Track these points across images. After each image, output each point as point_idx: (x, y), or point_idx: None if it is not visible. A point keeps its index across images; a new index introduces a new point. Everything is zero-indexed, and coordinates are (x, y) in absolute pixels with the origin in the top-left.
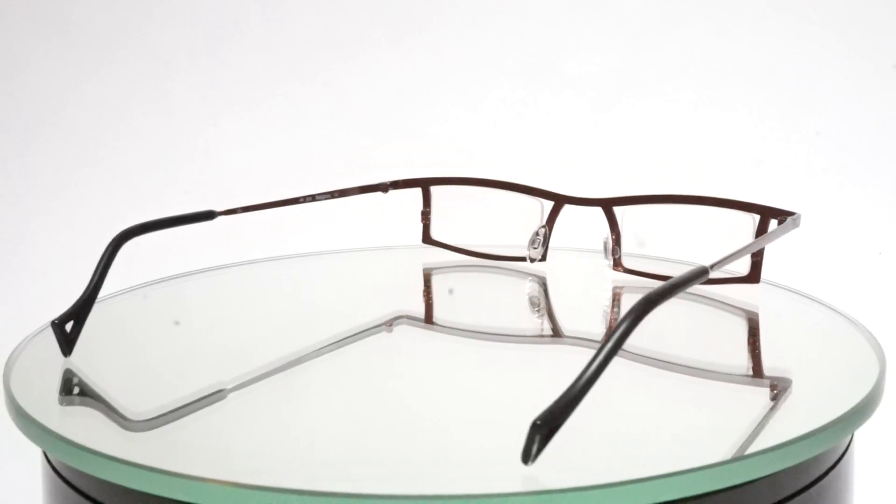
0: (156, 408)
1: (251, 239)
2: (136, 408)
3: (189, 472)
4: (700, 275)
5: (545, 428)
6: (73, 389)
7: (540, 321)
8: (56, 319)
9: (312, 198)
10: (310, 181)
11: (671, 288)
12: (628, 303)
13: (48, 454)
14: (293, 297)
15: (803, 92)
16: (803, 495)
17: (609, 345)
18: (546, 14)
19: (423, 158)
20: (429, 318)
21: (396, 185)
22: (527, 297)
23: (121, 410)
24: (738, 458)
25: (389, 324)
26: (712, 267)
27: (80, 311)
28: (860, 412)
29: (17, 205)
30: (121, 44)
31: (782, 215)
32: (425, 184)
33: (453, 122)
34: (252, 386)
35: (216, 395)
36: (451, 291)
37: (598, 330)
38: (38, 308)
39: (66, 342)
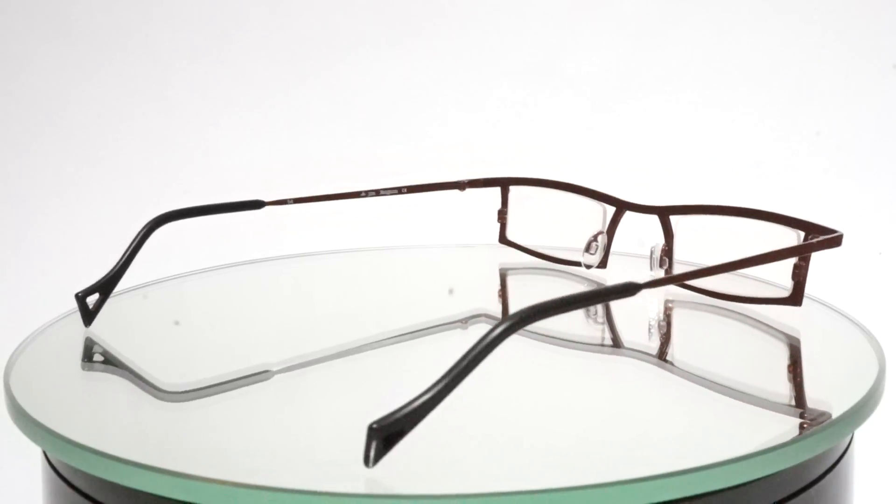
0: (194, 381)
1: (301, 231)
2: (169, 378)
3: (189, 472)
4: (620, 291)
5: (381, 433)
6: (94, 357)
7: (600, 331)
8: (80, 292)
9: (376, 192)
10: (310, 181)
11: (561, 304)
12: (682, 320)
13: (48, 454)
14: (365, 289)
15: (803, 92)
16: (803, 495)
17: (465, 360)
18: (546, 14)
19: (428, 157)
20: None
21: (474, 183)
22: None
23: (152, 381)
24: (738, 458)
25: (465, 321)
26: (645, 285)
27: (105, 285)
28: (860, 412)
29: (17, 205)
30: (121, 44)
31: (823, 234)
32: (504, 183)
33: (453, 123)
34: (295, 371)
35: (262, 375)
36: (451, 292)
37: (656, 344)
38: (38, 308)
39: (87, 314)
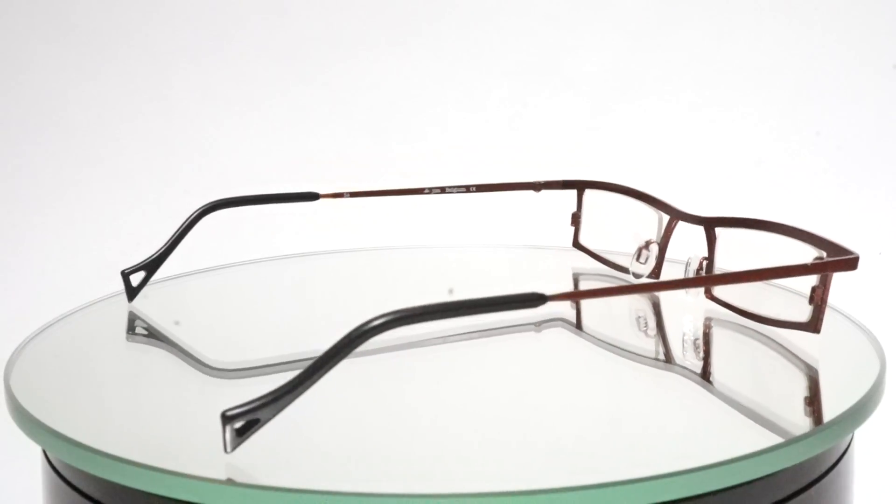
0: (244, 360)
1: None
2: (218, 357)
3: (188, 472)
4: (523, 301)
5: (232, 421)
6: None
7: (653, 343)
8: (126, 269)
9: (441, 190)
10: (311, 181)
11: (448, 308)
12: (721, 339)
13: (47, 452)
14: (440, 285)
15: (803, 92)
16: (803, 495)
17: (327, 356)
18: (546, 14)
19: (430, 158)
20: (578, 325)
21: (550, 185)
22: (639, 316)
23: (200, 358)
24: (738, 458)
25: (538, 325)
26: (551, 298)
27: (150, 265)
28: (860, 412)
29: (17, 205)
30: (121, 44)
31: (842, 255)
32: (581, 186)
33: (453, 123)
34: (350, 359)
35: (303, 362)
36: (450, 291)
37: (658, 346)
38: (38, 308)
39: (131, 290)
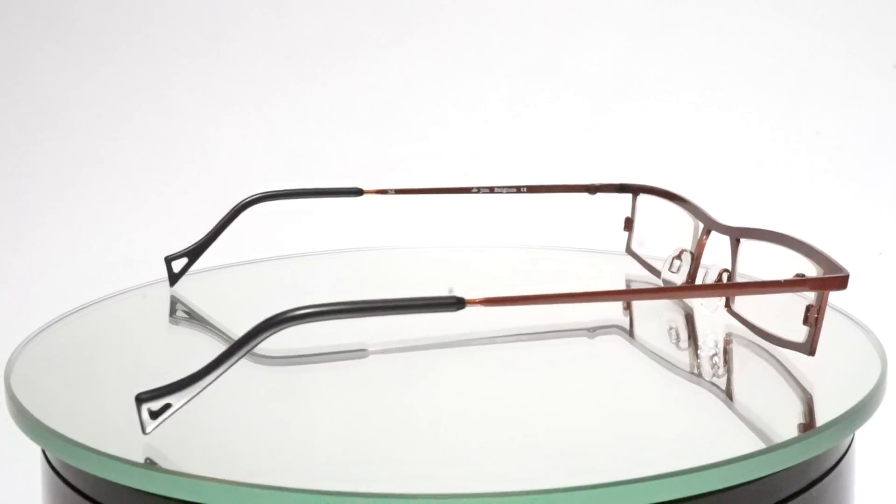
0: (288, 348)
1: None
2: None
3: (188, 471)
4: (440, 305)
5: (143, 403)
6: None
7: (686, 357)
8: (169, 256)
9: (490, 189)
10: (310, 182)
11: (349, 308)
12: (741, 358)
13: (46, 452)
14: (493, 285)
15: (803, 92)
16: (803, 495)
17: (234, 346)
18: (546, 14)
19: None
20: (631, 333)
21: (605, 188)
22: (671, 327)
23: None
24: (739, 458)
25: (592, 331)
26: (470, 302)
27: (193, 252)
28: (860, 412)
29: (17, 205)
30: (121, 44)
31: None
32: (636, 190)
33: (453, 123)
34: (394, 354)
35: (358, 352)
36: (450, 291)
37: (660, 344)
38: (38, 308)
39: (172, 275)
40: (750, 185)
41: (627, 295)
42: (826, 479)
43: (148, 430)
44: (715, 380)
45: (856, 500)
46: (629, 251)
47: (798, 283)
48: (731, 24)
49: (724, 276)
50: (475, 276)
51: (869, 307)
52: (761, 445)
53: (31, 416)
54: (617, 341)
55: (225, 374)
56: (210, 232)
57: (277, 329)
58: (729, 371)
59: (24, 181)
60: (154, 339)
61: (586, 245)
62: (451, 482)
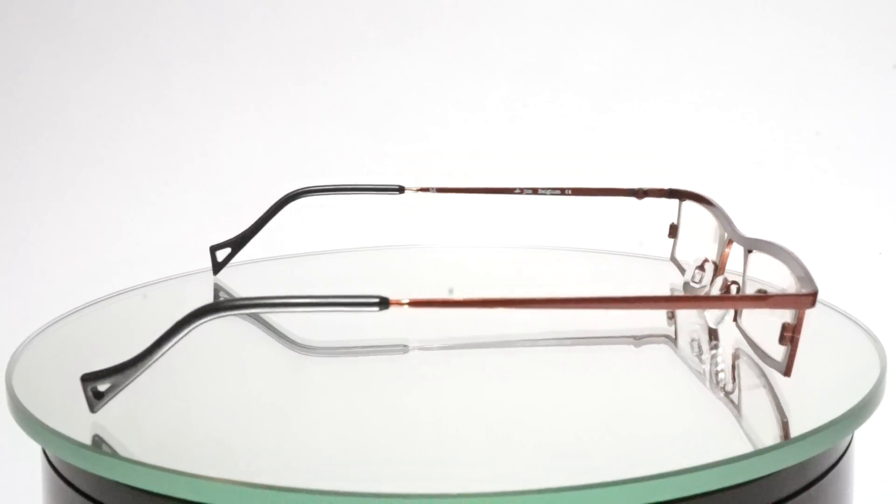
0: (325, 340)
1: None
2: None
3: (187, 470)
4: (363, 303)
5: (86, 384)
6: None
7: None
8: (213, 245)
9: (533, 191)
10: (310, 180)
11: (282, 302)
12: (745, 364)
13: (46, 451)
14: (536, 287)
15: (803, 92)
16: (803, 495)
17: (166, 332)
18: (546, 14)
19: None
20: (676, 343)
21: (653, 193)
22: (693, 339)
23: (292, 337)
24: (739, 457)
25: (638, 339)
26: (392, 303)
27: (236, 242)
28: (860, 412)
29: (17, 205)
30: (121, 44)
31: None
32: (682, 196)
33: (453, 123)
34: (434, 352)
35: (398, 347)
36: (450, 291)
37: (661, 344)
38: (38, 308)
39: (216, 265)
40: (750, 186)
41: (561, 304)
42: (826, 479)
43: (94, 411)
44: (716, 381)
45: (855, 500)
46: (672, 259)
47: (757, 300)
48: (731, 24)
49: (734, 288)
50: (518, 275)
51: (869, 307)
52: (761, 445)
53: (32, 415)
54: (661, 350)
55: (224, 374)
56: (253, 224)
57: (205, 319)
58: (736, 377)
59: (24, 181)
60: (154, 338)
61: (636, 250)
62: (452, 482)
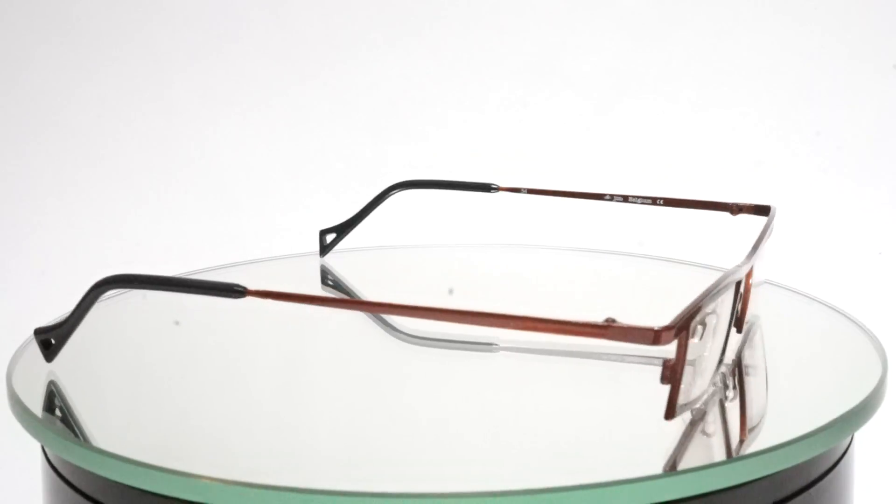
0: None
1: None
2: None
3: (186, 470)
4: (222, 290)
5: (37, 335)
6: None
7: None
8: (322, 230)
9: (624, 198)
10: (311, 180)
11: (156, 282)
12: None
13: (46, 450)
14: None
15: (803, 92)
16: (803, 495)
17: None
18: (546, 14)
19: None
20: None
21: (747, 209)
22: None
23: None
24: (739, 457)
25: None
26: (254, 293)
27: (342, 227)
28: (860, 412)
29: (17, 205)
30: (121, 44)
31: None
32: (768, 211)
33: (453, 123)
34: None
35: (488, 346)
36: (450, 291)
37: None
38: (38, 308)
39: (323, 248)
40: (749, 186)
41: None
42: (826, 479)
43: (48, 361)
44: (717, 383)
45: (855, 500)
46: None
47: (596, 329)
48: (731, 24)
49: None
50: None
51: (869, 307)
52: (761, 445)
53: (32, 413)
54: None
55: (224, 374)
56: (358, 212)
57: (101, 290)
58: (740, 382)
59: (24, 181)
60: (154, 338)
61: (635, 250)
62: (452, 482)
